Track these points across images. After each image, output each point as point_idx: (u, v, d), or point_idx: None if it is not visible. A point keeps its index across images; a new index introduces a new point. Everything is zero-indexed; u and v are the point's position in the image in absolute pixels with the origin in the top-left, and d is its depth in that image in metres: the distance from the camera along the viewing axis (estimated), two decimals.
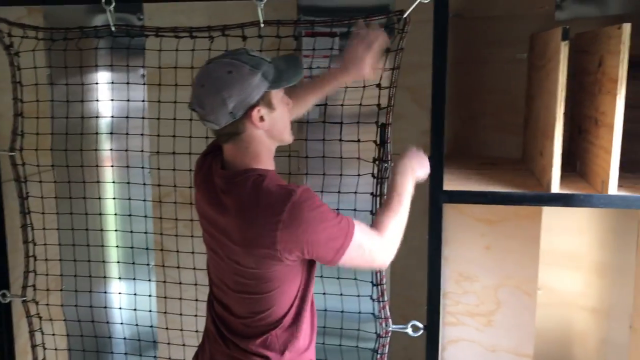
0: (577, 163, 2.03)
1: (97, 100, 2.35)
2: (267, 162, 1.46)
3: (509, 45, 2.23)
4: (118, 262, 2.50)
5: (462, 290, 2.28)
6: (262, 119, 1.39)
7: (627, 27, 1.62)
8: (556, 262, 2.19)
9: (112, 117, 2.34)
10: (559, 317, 2.32)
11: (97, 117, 2.37)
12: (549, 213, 2.18)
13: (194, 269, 2.33)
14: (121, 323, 2.49)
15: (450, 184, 1.91)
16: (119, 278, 2.52)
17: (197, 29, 2.04)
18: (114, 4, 1.92)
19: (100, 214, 2.44)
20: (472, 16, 2.26)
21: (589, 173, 1.90)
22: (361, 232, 1.42)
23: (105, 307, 2.52)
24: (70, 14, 2.34)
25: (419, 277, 2.01)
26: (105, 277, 2.50)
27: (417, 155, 1.68)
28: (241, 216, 1.37)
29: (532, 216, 2.12)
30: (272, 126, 1.42)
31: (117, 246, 2.48)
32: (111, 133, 2.37)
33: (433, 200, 1.84)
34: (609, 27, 1.74)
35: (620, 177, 1.78)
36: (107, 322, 2.52)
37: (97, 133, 2.37)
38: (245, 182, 1.39)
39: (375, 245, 1.46)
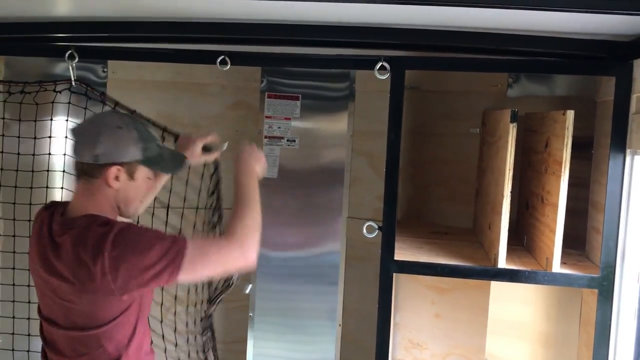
0: (524, 237, 2.09)
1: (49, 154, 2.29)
2: (108, 214, 1.47)
3: (463, 119, 2.32)
4: None
5: (411, 358, 2.28)
6: (117, 179, 1.44)
7: (570, 114, 1.71)
8: (503, 332, 2.21)
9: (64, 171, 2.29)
10: None
11: (47, 170, 2.30)
12: (498, 283, 2.21)
13: None
14: None
15: (402, 253, 1.94)
16: None
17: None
18: (77, 59, 1.93)
19: None
20: (429, 89, 2.35)
21: (535, 248, 1.96)
22: (196, 243, 1.43)
23: None
24: (33, 62, 2.29)
25: (370, 343, 2.01)
26: None
27: (251, 153, 1.70)
28: (73, 256, 1.37)
29: (482, 286, 2.15)
30: (121, 191, 1.47)
31: None
32: (62, 188, 2.31)
33: (384, 270, 1.86)
34: (554, 112, 1.83)
35: (565, 254, 1.84)
36: None
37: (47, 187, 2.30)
38: (80, 223, 1.40)
39: (223, 248, 1.45)
